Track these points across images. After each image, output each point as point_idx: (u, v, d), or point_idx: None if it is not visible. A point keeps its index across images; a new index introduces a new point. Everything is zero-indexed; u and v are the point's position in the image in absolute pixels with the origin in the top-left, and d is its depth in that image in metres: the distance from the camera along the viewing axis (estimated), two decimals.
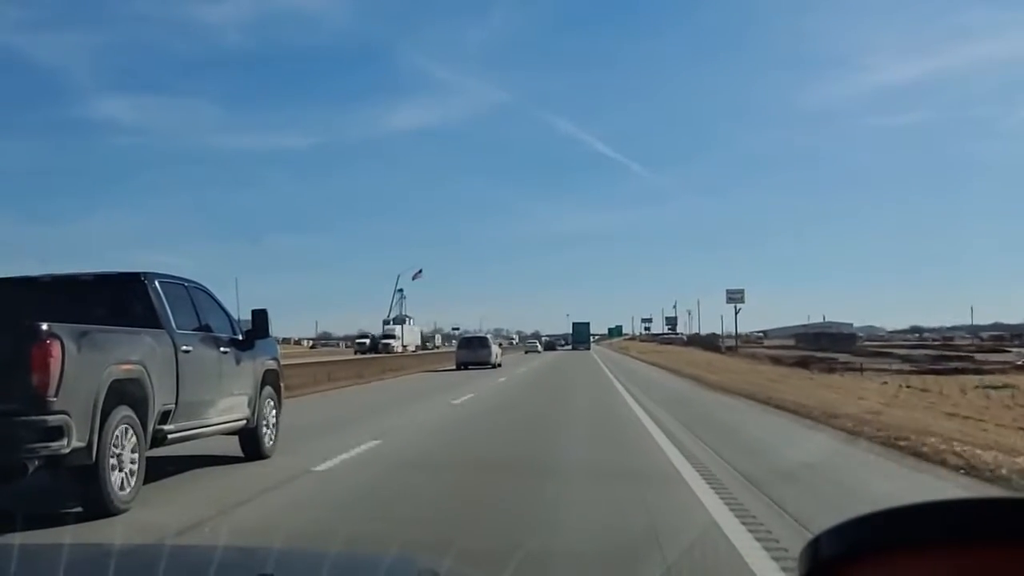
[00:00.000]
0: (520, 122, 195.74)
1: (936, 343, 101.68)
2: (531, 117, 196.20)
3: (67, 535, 5.98)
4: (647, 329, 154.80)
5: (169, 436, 7.95)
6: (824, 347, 76.01)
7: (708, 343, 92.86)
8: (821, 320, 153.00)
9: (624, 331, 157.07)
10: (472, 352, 41.19)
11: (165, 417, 7.83)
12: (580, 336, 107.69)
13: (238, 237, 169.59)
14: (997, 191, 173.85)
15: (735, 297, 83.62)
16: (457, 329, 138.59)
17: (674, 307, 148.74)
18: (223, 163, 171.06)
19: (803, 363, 49.02)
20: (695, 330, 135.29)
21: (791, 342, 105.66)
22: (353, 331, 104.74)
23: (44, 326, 6.32)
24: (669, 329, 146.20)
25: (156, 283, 8.37)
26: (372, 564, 1.99)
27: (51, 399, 6.25)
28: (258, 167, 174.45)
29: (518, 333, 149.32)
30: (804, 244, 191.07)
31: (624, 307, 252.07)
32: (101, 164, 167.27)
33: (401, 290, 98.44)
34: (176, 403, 7.97)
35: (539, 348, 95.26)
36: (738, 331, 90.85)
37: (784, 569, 4.79)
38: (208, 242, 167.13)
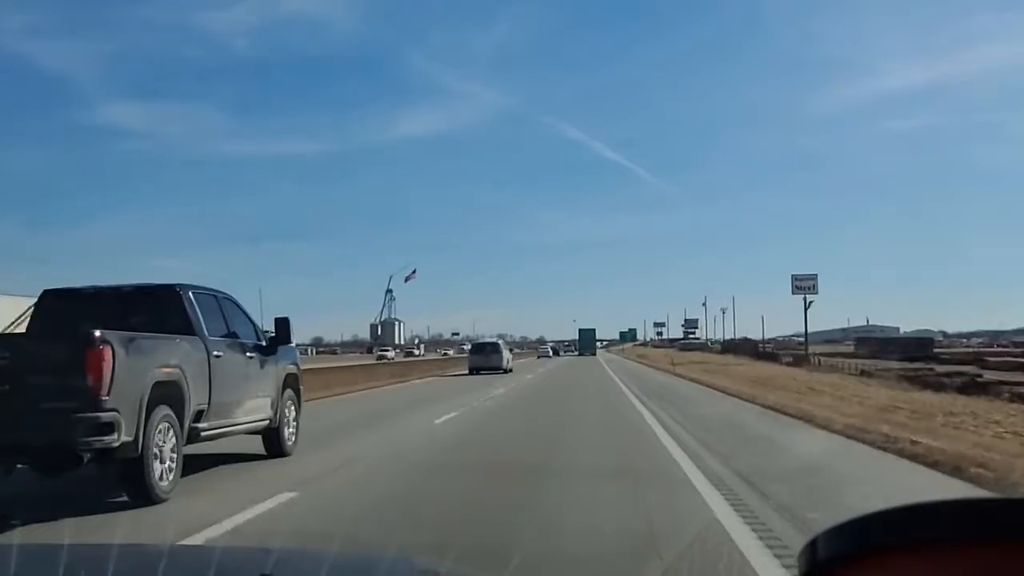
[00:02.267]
0: (527, 128, 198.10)
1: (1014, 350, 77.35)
2: (538, 123, 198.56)
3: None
4: (659, 334, 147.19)
5: (203, 434, 8.71)
6: (911, 355, 59.45)
7: (750, 350, 77.57)
8: (864, 323, 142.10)
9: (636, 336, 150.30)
10: (484, 358, 41.99)
11: (199, 416, 8.59)
12: (586, 342, 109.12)
13: (243, 242, 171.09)
14: (1002, 196, 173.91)
15: (804, 285, 63.43)
16: (456, 335, 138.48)
17: (704, 304, 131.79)
18: (229, 169, 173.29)
19: (975, 387, 27.86)
20: (718, 334, 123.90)
21: (846, 347, 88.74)
22: (347, 336, 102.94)
23: (97, 333, 7.09)
24: (687, 332, 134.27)
25: (190, 294, 9.14)
26: (371, 565, 1.98)
27: (104, 398, 7.01)
28: (265, 173, 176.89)
29: (523, 339, 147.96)
30: (812, 247, 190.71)
31: (631, 313, 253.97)
32: (108, 170, 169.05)
33: (390, 291, 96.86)
34: (208, 403, 8.73)
35: (550, 353, 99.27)
36: (775, 336, 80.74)
37: None
38: (213, 247, 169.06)
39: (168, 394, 7.93)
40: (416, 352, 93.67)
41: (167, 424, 7.87)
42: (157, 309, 8.96)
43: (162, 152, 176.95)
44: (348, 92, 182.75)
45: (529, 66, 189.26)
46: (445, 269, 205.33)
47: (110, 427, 7.06)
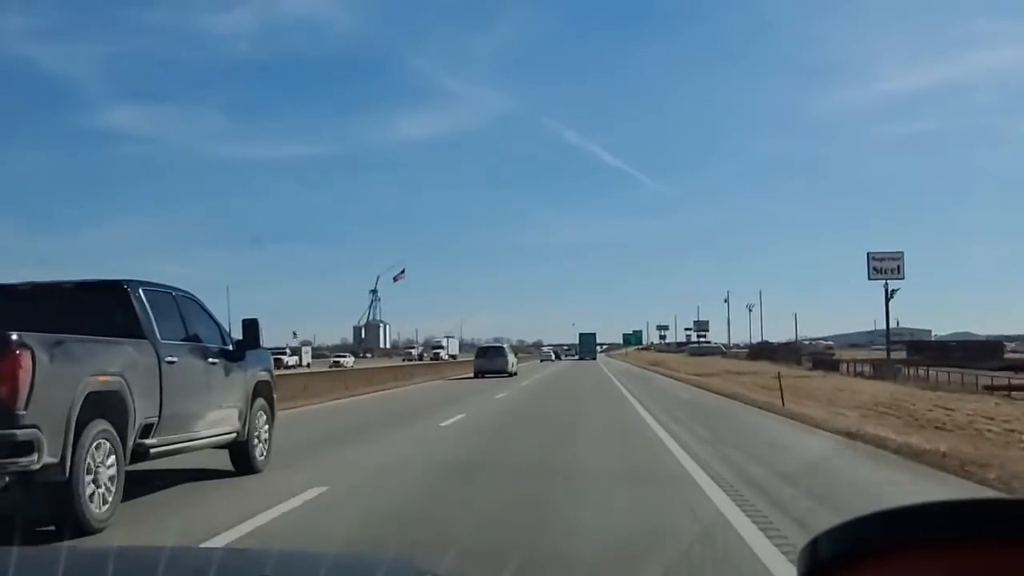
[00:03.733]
0: (526, 131, 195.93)
1: None
2: (537, 126, 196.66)
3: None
4: (663, 337, 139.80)
5: (152, 451, 7.63)
6: (981, 361, 46.58)
7: (789, 356, 62.67)
8: (894, 325, 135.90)
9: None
10: (489, 361, 42.04)
11: (147, 431, 7.52)
12: (586, 346, 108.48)
13: (243, 246, 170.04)
14: (1003, 200, 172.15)
15: (885, 267, 48.63)
16: (451, 337, 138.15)
17: (727, 301, 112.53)
18: (230, 172, 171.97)
19: None
20: (727, 338, 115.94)
21: (879, 351, 70.25)
22: (335, 339, 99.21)
23: (13, 335, 6.01)
24: (699, 335, 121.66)
25: (140, 291, 8.06)
26: (371, 565, 1.95)
27: (20, 412, 5.93)
28: (266, 176, 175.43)
29: (520, 342, 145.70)
30: (812, 248, 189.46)
31: (630, 317, 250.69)
32: (109, 172, 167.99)
33: (375, 291, 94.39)
34: (159, 416, 7.65)
35: (552, 357, 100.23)
36: (794, 339, 70.22)
37: None
38: (215, 250, 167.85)
39: (106, 406, 6.84)
40: (414, 354, 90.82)
41: (104, 441, 6.78)
42: (101, 309, 7.87)
43: (163, 155, 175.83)
44: (349, 95, 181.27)
45: (529, 69, 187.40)
46: (440, 271, 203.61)
47: (28, 447, 5.98)
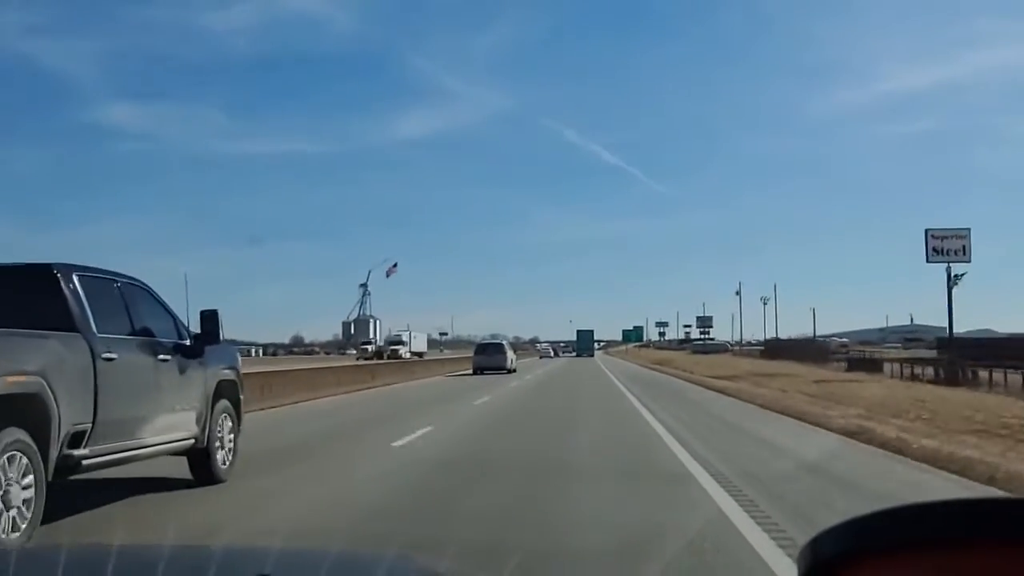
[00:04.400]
0: (524, 129, 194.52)
1: None
2: (536, 124, 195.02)
3: None
4: (662, 334, 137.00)
5: (84, 463, 6.54)
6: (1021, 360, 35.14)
7: (816, 354, 56.30)
8: (908, 322, 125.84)
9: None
10: (488, 357, 41.80)
11: (77, 440, 6.43)
12: (584, 343, 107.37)
13: (243, 243, 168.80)
14: (1004, 200, 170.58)
15: (948, 248, 39.53)
16: (445, 335, 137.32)
17: (738, 293, 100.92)
18: (229, 169, 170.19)
19: None
20: (730, 335, 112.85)
21: (893, 349, 70.74)
22: (328, 336, 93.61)
23: None
24: (702, 333, 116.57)
25: (74, 277, 6.95)
26: (371, 564, 1.93)
27: None
28: (264, 174, 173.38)
29: (516, 339, 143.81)
30: (813, 249, 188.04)
31: (627, 314, 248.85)
32: (108, 169, 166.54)
33: (365, 285, 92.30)
34: (93, 422, 6.56)
35: (551, 354, 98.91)
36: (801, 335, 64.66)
37: None
38: (213, 247, 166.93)
39: (20, 412, 5.77)
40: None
41: (17, 454, 5.70)
42: (26, 297, 6.77)
43: (162, 152, 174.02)
44: (347, 93, 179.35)
45: (529, 69, 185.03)
46: (436, 268, 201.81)
47: None
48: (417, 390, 28.29)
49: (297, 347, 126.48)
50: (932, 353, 49.81)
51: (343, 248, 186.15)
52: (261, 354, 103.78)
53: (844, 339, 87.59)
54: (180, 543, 4.59)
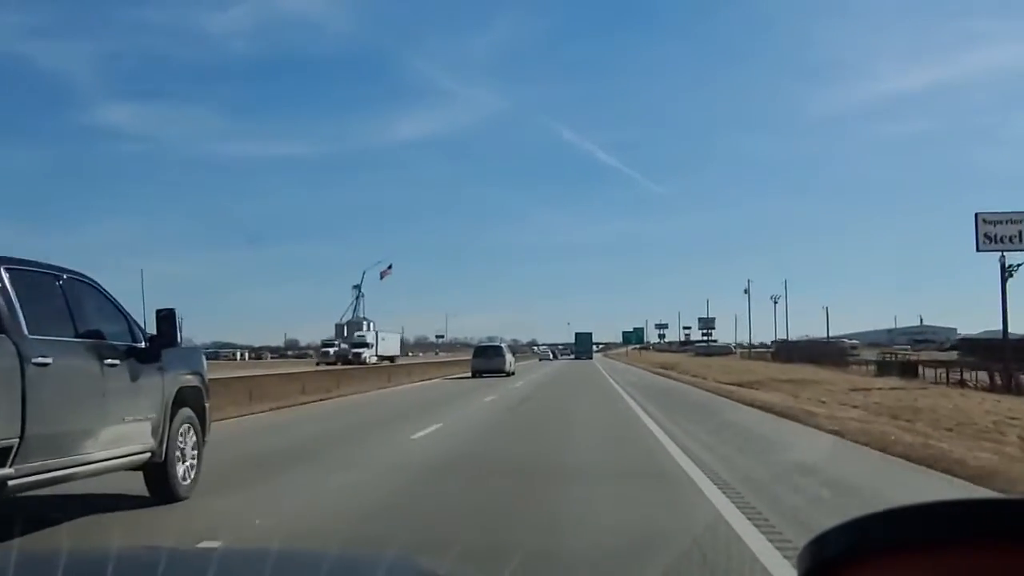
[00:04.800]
0: (522, 130, 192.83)
1: None
2: (535, 126, 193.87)
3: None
4: (662, 336, 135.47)
5: (10, 483, 5.72)
6: None
7: (836, 356, 53.00)
8: (917, 323, 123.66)
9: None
10: (487, 360, 41.39)
11: (2, 458, 5.61)
12: (582, 346, 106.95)
13: (238, 244, 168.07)
14: (1001, 199, 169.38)
15: (1001, 234, 33.63)
16: (441, 337, 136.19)
17: (746, 291, 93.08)
18: (226, 171, 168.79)
19: None
20: (731, 337, 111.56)
21: (901, 350, 67.48)
22: (322, 337, 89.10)
23: None
24: (704, 335, 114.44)
25: (1, 271, 6.12)
26: (371, 565, 1.93)
27: None
28: (262, 175, 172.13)
29: (514, 341, 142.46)
30: (813, 249, 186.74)
31: (626, 316, 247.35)
32: (106, 170, 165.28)
33: (358, 287, 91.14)
34: (21, 436, 5.74)
35: (550, 356, 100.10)
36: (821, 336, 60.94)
37: None
38: (211, 250, 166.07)
39: None
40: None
41: None
42: None
43: (160, 153, 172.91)
44: (345, 94, 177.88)
45: (527, 70, 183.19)
46: (433, 270, 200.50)
47: None
48: (376, 403, 23.26)
49: (292, 350, 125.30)
50: (952, 355, 46.52)
51: (340, 249, 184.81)
52: (247, 357, 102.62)
53: (854, 340, 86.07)
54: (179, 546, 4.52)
